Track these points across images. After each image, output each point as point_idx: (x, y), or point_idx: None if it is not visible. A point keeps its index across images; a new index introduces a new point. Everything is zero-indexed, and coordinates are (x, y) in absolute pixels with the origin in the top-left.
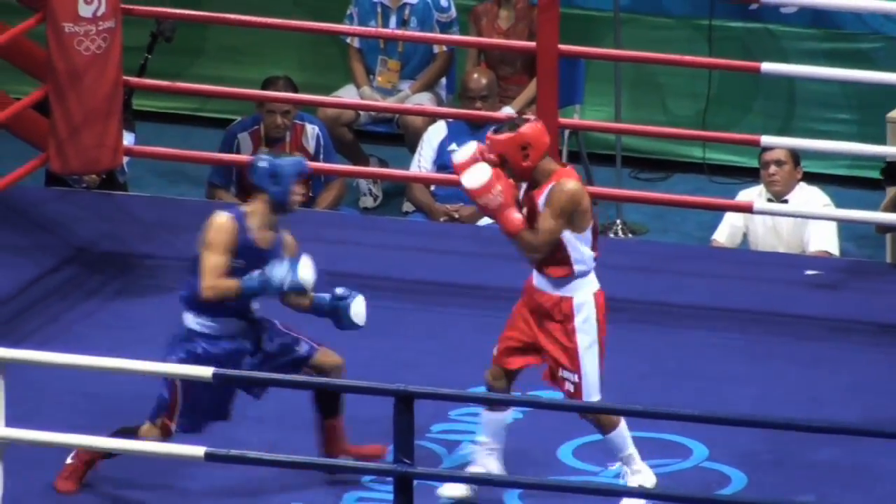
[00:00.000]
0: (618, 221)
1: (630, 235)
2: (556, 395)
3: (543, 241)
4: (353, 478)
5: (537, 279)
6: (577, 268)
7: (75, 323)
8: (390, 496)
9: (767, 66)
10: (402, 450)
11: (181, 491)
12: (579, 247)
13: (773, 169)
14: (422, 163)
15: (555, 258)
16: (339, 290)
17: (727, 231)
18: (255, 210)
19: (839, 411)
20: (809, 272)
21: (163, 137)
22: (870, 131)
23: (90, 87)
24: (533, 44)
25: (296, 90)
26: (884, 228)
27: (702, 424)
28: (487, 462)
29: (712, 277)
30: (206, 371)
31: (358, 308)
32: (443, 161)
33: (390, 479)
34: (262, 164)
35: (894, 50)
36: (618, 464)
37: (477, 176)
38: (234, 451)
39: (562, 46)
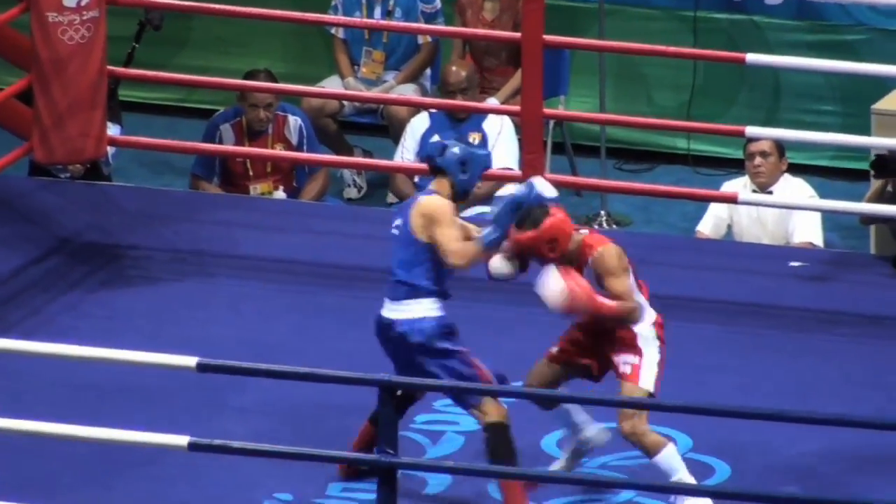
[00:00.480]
0: (602, 213)
1: (614, 226)
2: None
3: (627, 300)
4: (337, 468)
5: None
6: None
7: (60, 313)
8: (374, 486)
9: (752, 58)
10: (386, 440)
11: (166, 481)
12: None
13: (758, 160)
14: (405, 154)
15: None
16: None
17: (711, 222)
18: (442, 192)
19: (824, 403)
20: (794, 264)
21: (148, 128)
22: (854, 122)
23: (74, 77)
24: (518, 35)
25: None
26: (868, 219)
27: (685, 415)
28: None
29: (697, 269)
30: (189, 360)
31: (540, 182)
32: (426, 152)
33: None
34: (455, 149)
35: (879, 41)
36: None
37: (555, 291)
38: (217, 441)
39: (547, 37)
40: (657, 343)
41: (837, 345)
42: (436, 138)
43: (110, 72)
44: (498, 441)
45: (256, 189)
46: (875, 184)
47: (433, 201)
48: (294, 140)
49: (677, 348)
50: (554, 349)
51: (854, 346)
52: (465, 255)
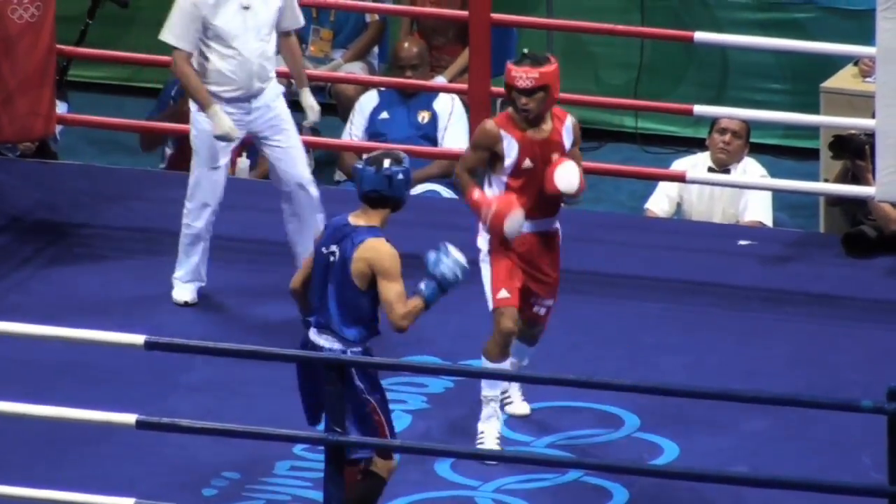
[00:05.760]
0: None
1: (562, 205)
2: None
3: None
4: (284, 447)
5: (537, 224)
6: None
7: (8, 291)
8: (321, 465)
9: (700, 36)
10: (334, 418)
11: (114, 459)
12: None
13: (728, 137)
14: (353, 131)
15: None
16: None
17: (661, 200)
18: (383, 221)
19: (771, 381)
20: (742, 242)
21: (96, 107)
22: (803, 101)
23: (23, 56)
24: (465, 13)
25: None
26: (834, 201)
27: (634, 394)
28: (489, 425)
29: (646, 247)
30: (137, 338)
31: (455, 254)
32: (374, 129)
33: (321, 448)
34: (400, 176)
35: (828, 20)
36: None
37: (573, 177)
38: (165, 419)
39: (494, 15)
40: None
41: (786, 324)
42: (385, 115)
43: (59, 50)
44: (370, 490)
45: None
46: (839, 164)
47: (381, 249)
48: None
49: (625, 327)
50: (512, 300)
51: (802, 325)
52: (411, 317)
